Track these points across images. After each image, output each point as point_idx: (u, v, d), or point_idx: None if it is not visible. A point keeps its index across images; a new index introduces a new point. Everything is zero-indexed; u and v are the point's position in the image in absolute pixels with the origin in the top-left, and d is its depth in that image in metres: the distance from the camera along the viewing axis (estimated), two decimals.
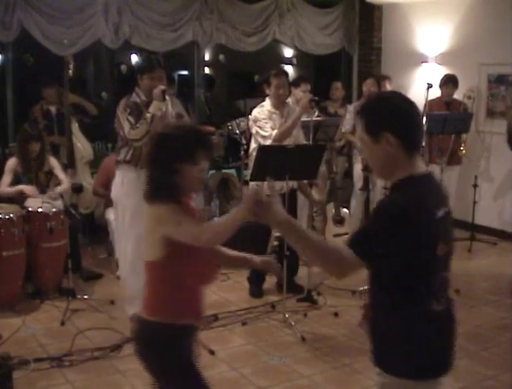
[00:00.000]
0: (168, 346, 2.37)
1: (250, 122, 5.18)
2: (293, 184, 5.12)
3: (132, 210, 4.48)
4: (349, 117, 6.69)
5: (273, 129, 4.97)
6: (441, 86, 6.70)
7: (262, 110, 5.07)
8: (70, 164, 6.03)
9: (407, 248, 1.91)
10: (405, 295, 1.98)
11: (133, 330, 2.55)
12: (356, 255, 1.91)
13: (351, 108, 6.85)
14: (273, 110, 5.06)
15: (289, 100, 5.55)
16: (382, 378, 2.04)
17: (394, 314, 2.00)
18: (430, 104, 6.48)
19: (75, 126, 6.23)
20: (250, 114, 5.34)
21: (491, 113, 7.00)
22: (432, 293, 1.99)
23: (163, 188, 2.33)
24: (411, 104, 2.07)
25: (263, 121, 4.99)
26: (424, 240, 1.93)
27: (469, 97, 6.96)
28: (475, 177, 6.51)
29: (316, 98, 5.09)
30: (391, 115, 2.01)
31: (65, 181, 5.40)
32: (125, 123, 4.35)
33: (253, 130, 5.08)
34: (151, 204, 2.35)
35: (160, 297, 2.40)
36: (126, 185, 4.50)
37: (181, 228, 2.27)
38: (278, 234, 5.84)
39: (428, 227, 1.94)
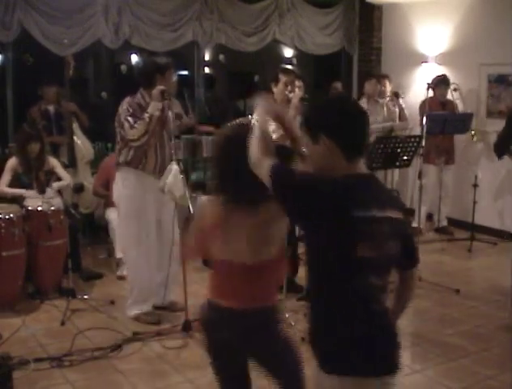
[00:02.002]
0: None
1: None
2: None
3: (138, 212, 4.48)
4: None
5: (274, 132, 4.95)
6: (433, 88, 6.68)
7: None
8: (70, 164, 6.03)
9: (327, 242, 1.94)
10: (332, 288, 1.99)
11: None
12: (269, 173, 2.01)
13: None
14: None
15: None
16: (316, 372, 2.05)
17: (324, 304, 2.03)
18: (428, 104, 6.49)
19: (76, 126, 6.23)
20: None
21: (491, 113, 7.00)
22: (359, 294, 1.98)
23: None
24: (353, 108, 2.07)
25: None
26: (334, 233, 1.93)
27: (455, 89, 6.94)
28: (475, 177, 6.51)
29: (306, 96, 5.10)
30: (327, 118, 2.01)
31: (66, 178, 5.41)
32: (124, 123, 4.35)
33: None
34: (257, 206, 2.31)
35: None
36: (129, 187, 4.50)
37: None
38: None
39: (341, 222, 1.93)
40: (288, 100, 5.01)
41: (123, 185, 4.53)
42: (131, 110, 4.35)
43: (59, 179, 5.40)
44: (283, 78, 4.99)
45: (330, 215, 1.93)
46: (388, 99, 7.13)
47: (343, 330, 2.00)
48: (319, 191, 1.95)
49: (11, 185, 5.21)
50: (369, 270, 1.98)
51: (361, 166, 2.05)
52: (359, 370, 1.99)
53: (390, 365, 2.04)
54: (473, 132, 6.84)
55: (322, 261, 1.99)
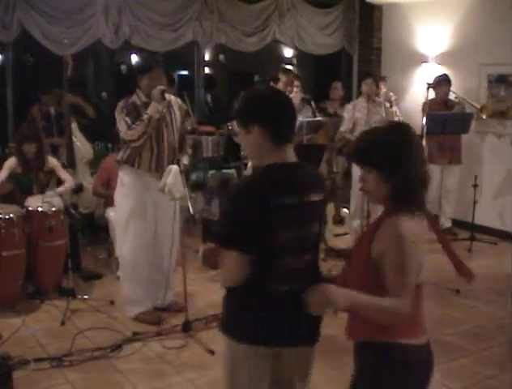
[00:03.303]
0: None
1: None
2: None
3: (130, 210, 4.48)
4: (347, 116, 6.69)
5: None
6: (435, 87, 6.67)
7: None
8: (69, 164, 6.03)
9: (246, 228, 2.05)
10: (251, 275, 2.09)
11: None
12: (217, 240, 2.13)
13: (349, 107, 6.85)
14: None
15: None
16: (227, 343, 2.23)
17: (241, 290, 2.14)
18: (430, 104, 6.48)
19: (75, 126, 6.23)
20: None
21: (491, 113, 6.98)
22: (275, 276, 2.12)
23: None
24: (280, 97, 2.23)
25: None
26: (257, 223, 2.05)
27: (456, 98, 6.93)
28: (475, 177, 6.50)
29: (308, 96, 5.10)
30: (258, 109, 2.16)
31: (68, 179, 5.40)
32: (121, 124, 4.34)
33: None
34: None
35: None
36: (125, 185, 4.51)
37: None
38: None
39: (261, 212, 2.05)
40: None
41: (121, 183, 4.54)
42: (125, 111, 4.34)
43: (59, 181, 5.39)
44: (283, 78, 5.01)
45: (257, 209, 2.05)
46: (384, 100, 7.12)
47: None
48: (246, 199, 2.08)
49: (12, 186, 5.20)
50: (290, 251, 2.13)
51: (289, 153, 2.19)
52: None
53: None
54: (479, 106, 6.79)
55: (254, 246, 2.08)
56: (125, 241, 4.55)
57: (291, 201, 2.10)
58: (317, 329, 2.34)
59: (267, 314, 2.15)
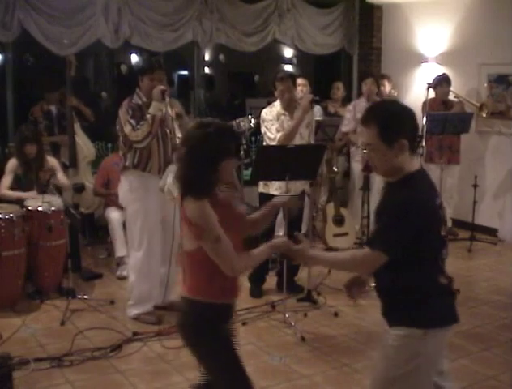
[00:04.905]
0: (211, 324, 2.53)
1: (260, 121, 5.20)
2: (301, 185, 5.09)
3: (143, 215, 4.48)
4: (349, 117, 6.68)
5: (278, 131, 4.93)
6: (435, 87, 6.67)
7: (271, 111, 5.04)
8: (72, 164, 6.03)
9: (422, 234, 2.27)
10: (418, 271, 2.33)
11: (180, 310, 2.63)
12: (382, 253, 2.28)
13: (350, 107, 6.84)
14: (282, 111, 5.02)
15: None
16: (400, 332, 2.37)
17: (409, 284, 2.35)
18: (430, 104, 6.47)
19: (77, 126, 6.22)
20: (250, 114, 5.33)
21: (491, 113, 6.98)
22: (439, 268, 2.40)
23: (201, 184, 2.40)
24: (411, 109, 2.42)
25: (270, 123, 4.97)
26: (433, 224, 2.33)
27: (456, 97, 6.93)
28: (475, 177, 6.50)
29: (317, 98, 5.06)
30: (406, 123, 2.36)
31: (64, 181, 5.40)
32: (126, 125, 4.34)
33: (262, 130, 5.08)
34: (185, 199, 2.42)
35: (199, 279, 2.52)
36: (135, 190, 4.49)
37: (218, 248, 2.38)
38: (280, 234, 5.85)
39: (435, 213, 2.34)
40: (294, 102, 5.01)
41: (131, 188, 4.51)
42: (131, 112, 4.35)
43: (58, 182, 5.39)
44: (279, 86, 4.98)
45: (430, 211, 2.33)
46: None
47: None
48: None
49: (12, 186, 5.21)
50: (442, 247, 2.44)
51: (415, 160, 2.45)
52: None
53: None
54: (478, 104, 6.77)
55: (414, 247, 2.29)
56: (140, 245, 4.53)
57: (439, 201, 2.41)
58: None
59: (447, 298, 2.44)
